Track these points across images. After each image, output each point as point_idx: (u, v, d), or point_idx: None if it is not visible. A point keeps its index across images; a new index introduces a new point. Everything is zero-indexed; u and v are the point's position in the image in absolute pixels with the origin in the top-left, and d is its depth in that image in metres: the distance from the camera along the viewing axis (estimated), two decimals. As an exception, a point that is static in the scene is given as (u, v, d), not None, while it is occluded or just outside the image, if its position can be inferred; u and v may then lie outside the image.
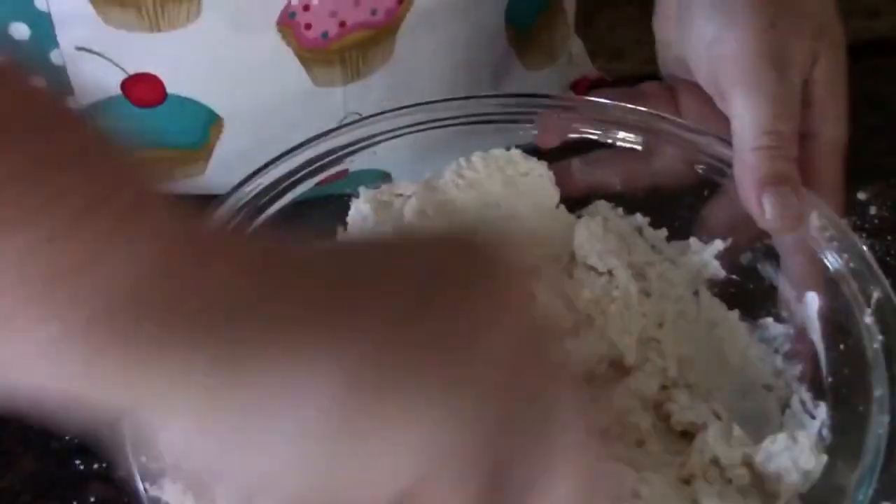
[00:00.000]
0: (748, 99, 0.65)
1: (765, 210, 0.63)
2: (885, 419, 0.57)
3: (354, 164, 0.69)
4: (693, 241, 0.70)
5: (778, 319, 0.67)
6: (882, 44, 0.99)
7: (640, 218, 0.71)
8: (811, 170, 0.66)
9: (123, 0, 0.70)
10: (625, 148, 0.70)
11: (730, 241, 0.69)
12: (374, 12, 0.73)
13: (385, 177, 0.75)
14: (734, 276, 0.69)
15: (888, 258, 0.77)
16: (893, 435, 0.56)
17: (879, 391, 0.58)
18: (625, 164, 0.71)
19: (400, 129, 0.69)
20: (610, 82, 0.77)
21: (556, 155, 0.71)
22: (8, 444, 0.70)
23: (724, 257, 0.69)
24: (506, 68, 0.83)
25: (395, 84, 0.77)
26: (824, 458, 0.60)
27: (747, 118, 0.65)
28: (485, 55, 0.81)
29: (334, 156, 0.67)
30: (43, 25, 0.72)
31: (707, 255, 0.69)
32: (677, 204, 0.71)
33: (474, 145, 0.69)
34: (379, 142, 0.68)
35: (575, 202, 0.72)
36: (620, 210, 0.71)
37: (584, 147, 0.71)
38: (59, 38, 0.72)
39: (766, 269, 0.68)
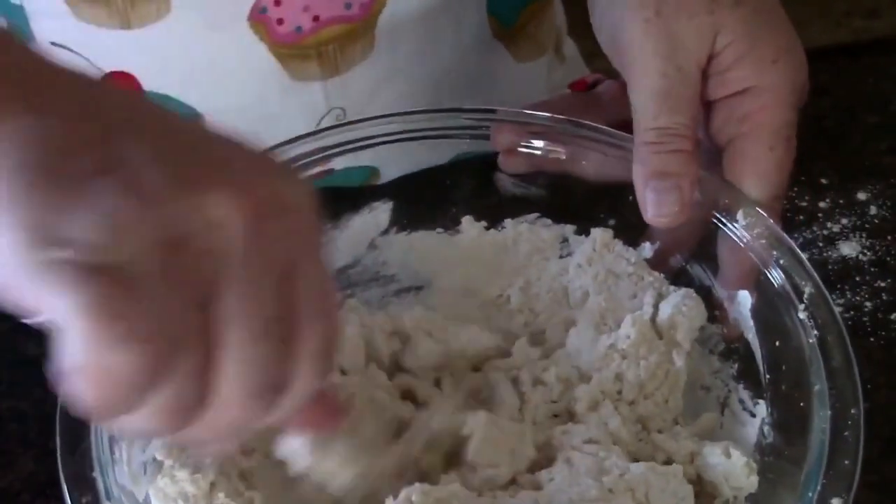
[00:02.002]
0: (633, 95, 0.65)
1: (646, 206, 0.63)
2: (827, 414, 0.57)
3: (339, 162, 0.68)
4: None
5: (711, 320, 0.67)
6: (882, 44, 1.00)
7: (566, 227, 0.72)
8: (754, 121, 0.65)
9: None
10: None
11: (658, 244, 0.69)
12: (348, 6, 0.73)
13: (373, 173, 0.74)
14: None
15: (888, 258, 0.77)
16: (836, 430, 0.57)
17: (818, 386, 0.58)
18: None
19: (385, 135, 0.69)
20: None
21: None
22: (8, 444, 0.69)
23: (654, 261, 0.69)
24: (496, 62, 0.83)
25: (378, 79, 0.76)
26: (755, 479, 0.60)
27: (636, 114, 0.65)
28: (471, 50, 0.80)
29: (315, 157, 0.67)
30: (17, 18, 0.71)
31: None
32: (602, 211, 0.71)
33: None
34: (362, 147, 0.68)
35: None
36: (548, 220, 0.71)
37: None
38: (34, 32, 0.72)
39: (696, 270, 0.68)
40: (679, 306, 0.65)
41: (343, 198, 0.73)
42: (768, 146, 0.64)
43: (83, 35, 0.71)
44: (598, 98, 0.72)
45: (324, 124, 0.77)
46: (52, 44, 0.72)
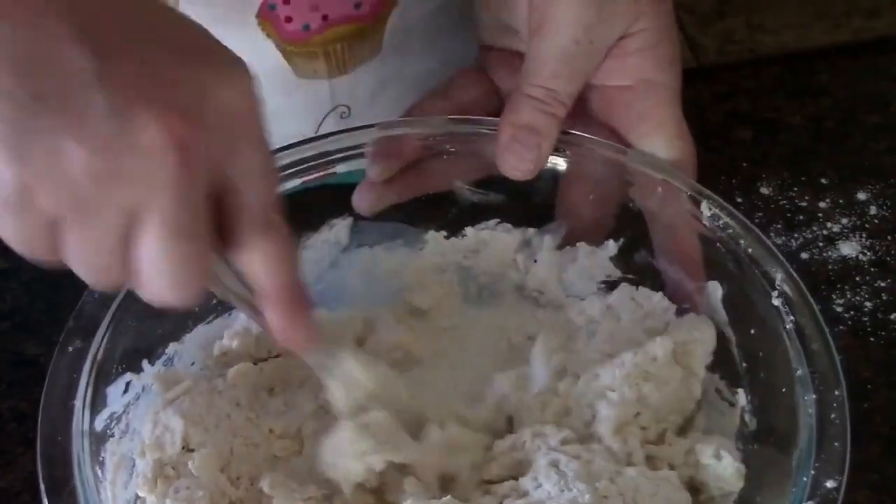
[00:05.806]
0: (536, 46, 0.65)
1: (504, 152, 0.64)
2: (812, 398, 0.57)
3: (340, 166, 0.68)
4: (582, 246, 0.70)
5: (679, 312, 0.67)
6: (882, 43, 1.01)
7: (529, 230, 0.71)
8: (651, 115, 0.67)
9: None
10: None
11: (622, 241, 0.69)
12: (357, 6, 0.72)
13: None
14: (630, 276, 0.69)
15: (888, 258, 0.78)
16: (821, 413, 0.57)
17: (800, 371, 0.59)
18: None
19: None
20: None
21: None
22: (8, 444, 0.69)
23: (619, 257, 0.69)
24: None
25: (384, 78, 0.76)
26: (742, 482, 0.60)
27: (531, 64, 0.65)
28: None
29: (318, 161, 0.67)
30: None
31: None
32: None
33: None
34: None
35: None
36: (509, 225, 0.71)
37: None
38: None
39: (662, 264, 0.68)
40: (691, 332, 0.64)
41: (300, 218, 0.72)
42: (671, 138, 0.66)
43: None
44: (457, 84, 0.72)
45: (328, 121, 0.78)
46: None
